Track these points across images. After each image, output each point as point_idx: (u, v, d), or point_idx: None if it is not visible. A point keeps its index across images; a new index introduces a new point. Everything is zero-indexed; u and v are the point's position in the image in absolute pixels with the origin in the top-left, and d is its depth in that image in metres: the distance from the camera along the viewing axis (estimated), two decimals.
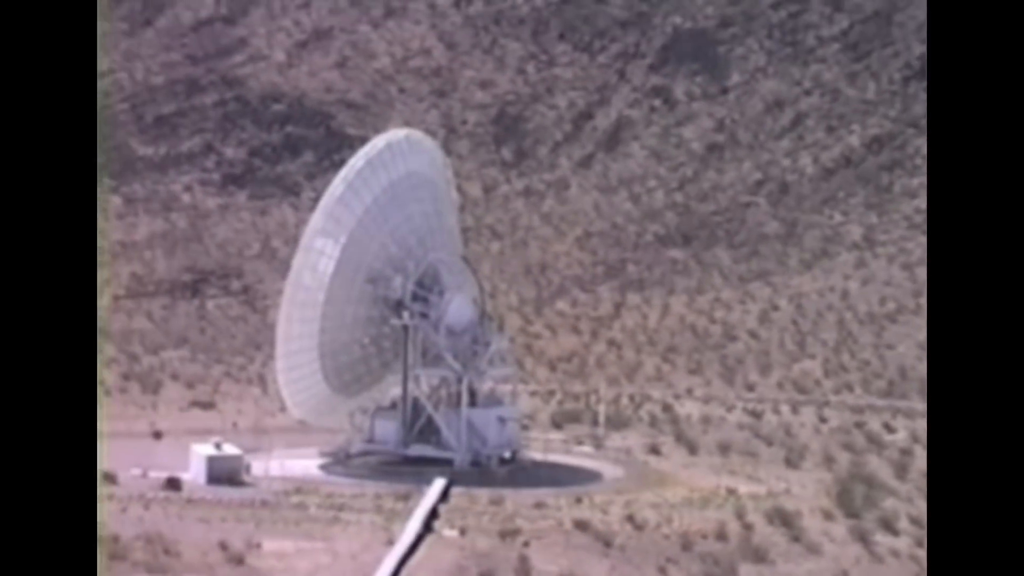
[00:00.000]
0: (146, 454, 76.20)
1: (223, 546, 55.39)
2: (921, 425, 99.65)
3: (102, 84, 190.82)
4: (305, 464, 77.43)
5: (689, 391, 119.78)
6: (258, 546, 56.25)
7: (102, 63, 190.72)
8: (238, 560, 54.13)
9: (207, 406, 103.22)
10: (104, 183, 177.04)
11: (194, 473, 71.84)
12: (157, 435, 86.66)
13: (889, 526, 61.89)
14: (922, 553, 57.40)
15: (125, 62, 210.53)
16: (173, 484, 68.56)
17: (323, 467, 77.50)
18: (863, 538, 59.26)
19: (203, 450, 73.13)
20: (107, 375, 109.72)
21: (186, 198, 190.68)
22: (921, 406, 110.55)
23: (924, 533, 61.01)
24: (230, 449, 73.91)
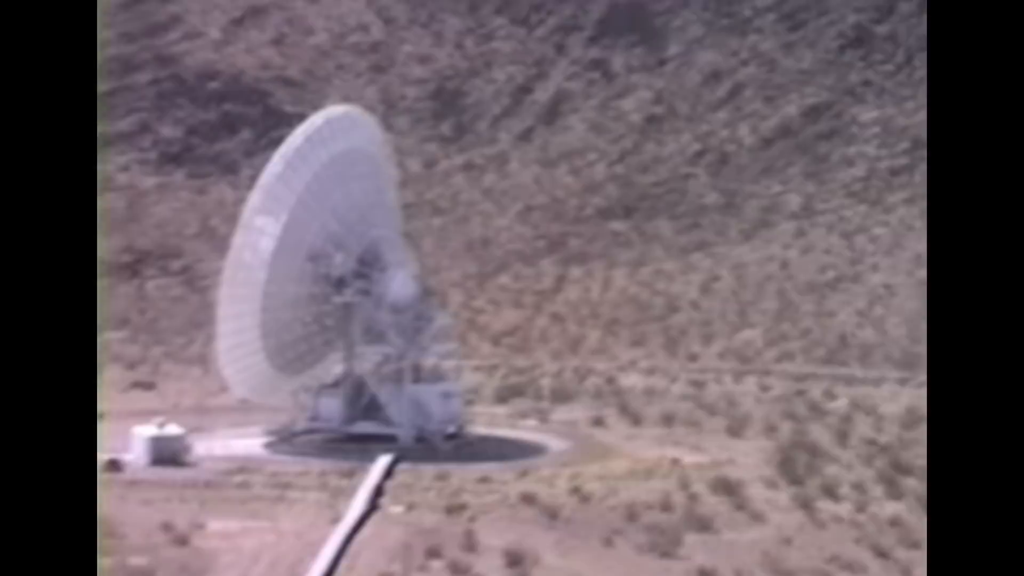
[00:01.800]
0: None
1: (167, 527, 55.07)
2: (860, 391, 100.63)
3: None
4: (248, 443, 77.06)
5: (632, 363, 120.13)
6: (202, 526, 55.97)
7: None
8: (182, 541, 53.85)
9: (148, 387, 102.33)
10: None
11: (136, 454, 71.28)
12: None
13: (831, 492, 62.53)
14: (863, 518, 58.09)
15: None
16: (114, 466, 68.02)
17: (267, 446, 77.16)
18: (806, 505, 59.83)
19: (145, 431, 72.56)
20: None
21: (122, 178, 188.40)
22: (860, 372, 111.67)
23: (865, 498, 61.77)
24: (172, 429, 73.38)
